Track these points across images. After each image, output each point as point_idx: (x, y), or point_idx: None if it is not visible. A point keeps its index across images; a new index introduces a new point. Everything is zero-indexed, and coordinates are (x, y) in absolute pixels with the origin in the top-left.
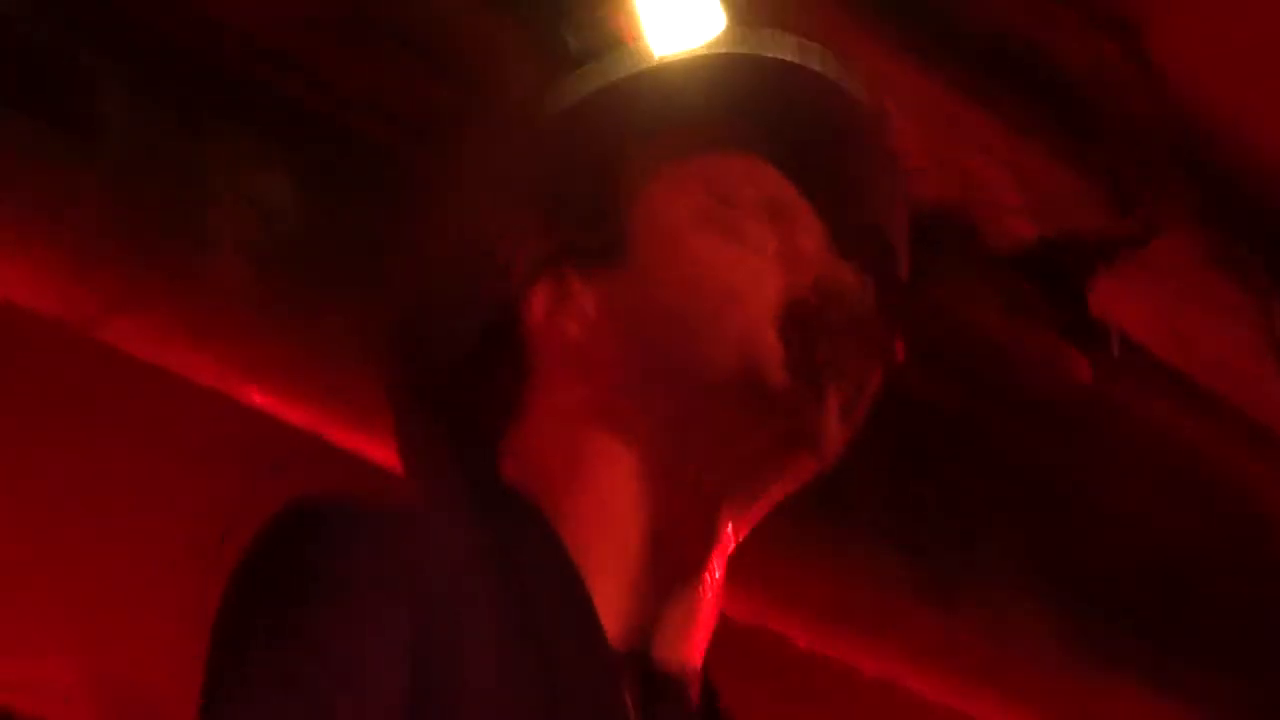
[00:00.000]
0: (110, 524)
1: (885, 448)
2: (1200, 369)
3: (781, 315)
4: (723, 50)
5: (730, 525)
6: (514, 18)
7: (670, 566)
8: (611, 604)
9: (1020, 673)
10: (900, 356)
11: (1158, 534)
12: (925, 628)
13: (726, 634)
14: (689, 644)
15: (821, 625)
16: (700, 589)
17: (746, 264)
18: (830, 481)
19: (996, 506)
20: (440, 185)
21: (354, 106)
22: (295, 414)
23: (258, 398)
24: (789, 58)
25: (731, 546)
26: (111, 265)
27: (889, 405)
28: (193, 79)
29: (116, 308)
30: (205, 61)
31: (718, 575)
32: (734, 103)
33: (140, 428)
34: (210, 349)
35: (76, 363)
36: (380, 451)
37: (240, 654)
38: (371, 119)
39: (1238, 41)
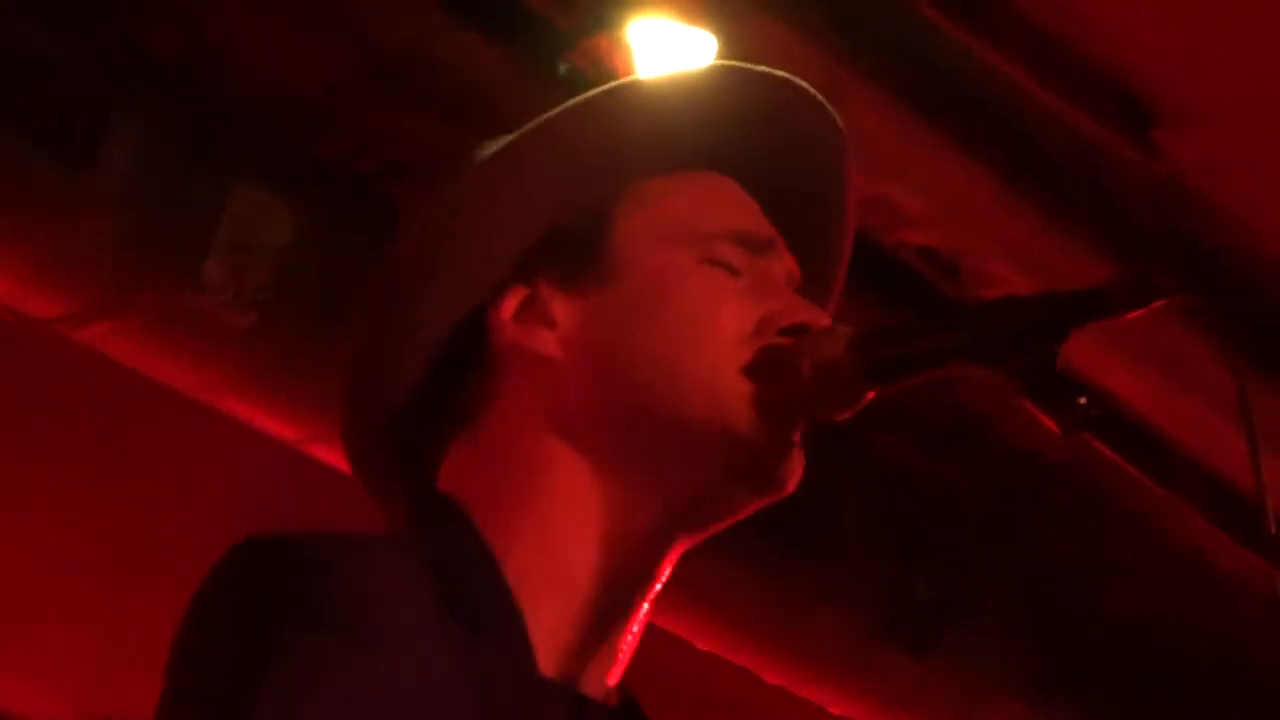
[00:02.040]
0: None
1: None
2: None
3: (753, 357)
4: (712, 67)
5: (674, 559)
6: (517, 65)
7: (609, 601)
8: (545, 630)
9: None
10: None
11: (1135, 598)
12: (898, 673)
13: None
14: (613, 671)
15: (788, 664)
16: (632, 621)
17: (721, 294)
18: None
19: (980, 568)
20: (422, 202)
21: (364, 155)
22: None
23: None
24: (771, 77)
25: (671, 570)
26: (101, 284)
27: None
28: (205, 115)
29: (97, 317)
30: (219, 100)
31: (646, 608)
32: (712, 116)
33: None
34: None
35: (62, 369)
36: None
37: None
38: (380, 168)
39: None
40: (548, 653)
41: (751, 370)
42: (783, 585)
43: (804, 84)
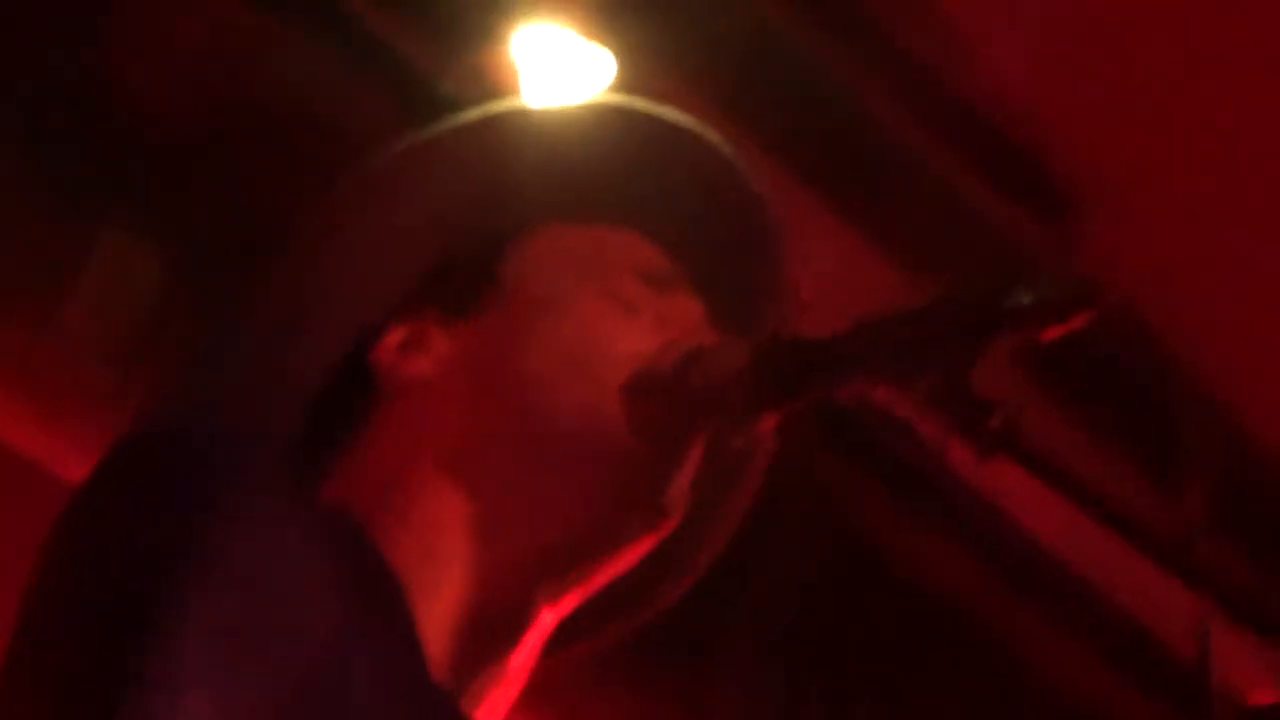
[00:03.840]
0: None
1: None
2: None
3: (636, 377)
4: (614, 104)
5: (549, 603)
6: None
7: (483, 627)
8: (431, 633)
9: None
10: (771, 426)
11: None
12: None
13: None
14: (490, 704)
15: None
16: (509, 657)
17: (611, 323)
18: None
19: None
20: (301, 228)
21: (240, 213)
22: None
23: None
24: (683, 123)
25: (550, 623)
26: None
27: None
28: (75, 147)
29: None
30: (90, 132)
31: (529, 648)
32: (620, 162)
33: None
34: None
35: None
36: None
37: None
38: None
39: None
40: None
41: (633, 387)
42: (661, 706)
43: (721, 143)
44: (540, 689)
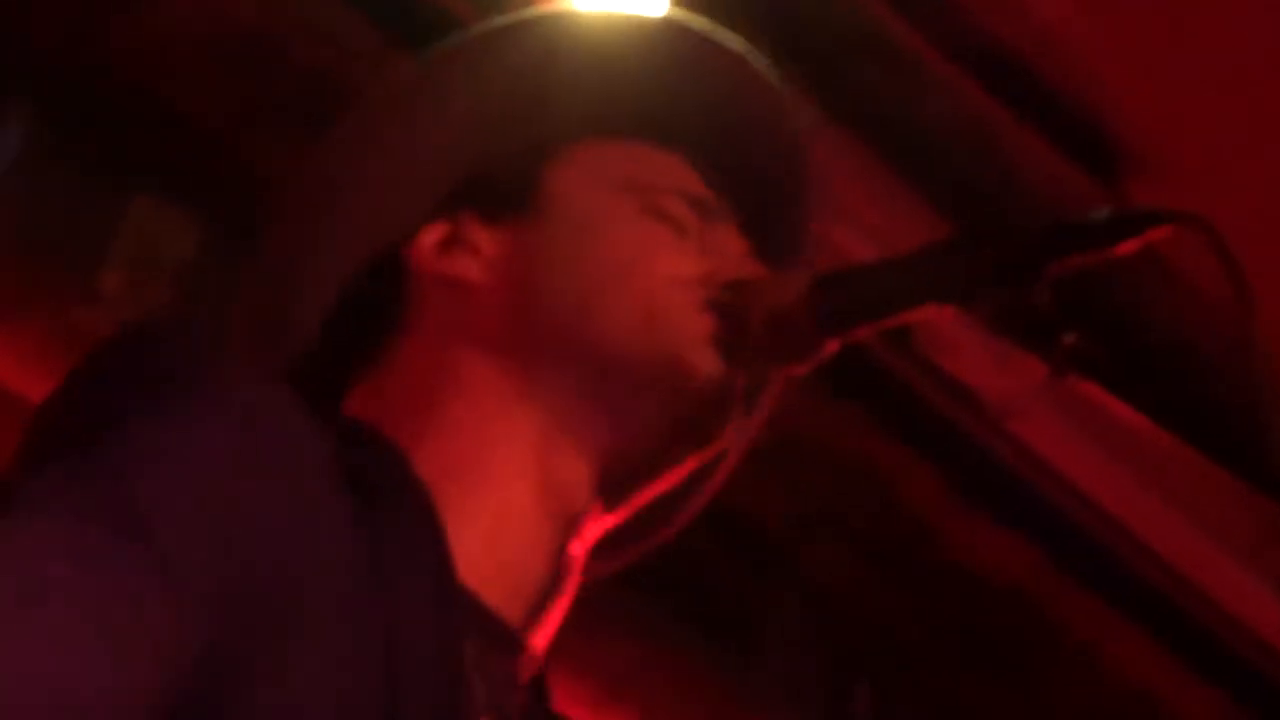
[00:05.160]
0: None
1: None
2: None
3: (703, 296)
4: (664, 19)
5: (593, 518)
6: None
7: (526, 533)
8: (462, 548)
9: None
10: (831, 353)
11: None
12: None
13: None
14: (532, 615)
15: None
16: (554, 565)
17: (661, 241)
18: None
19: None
20: (333, 131)
21: (273, 181)
22: None
23: None
24: (732, 48)
25: (591, 539)
26: None
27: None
28: (106, 118)
29: None
30: (122, 105)
31: (576, 559)
32: (667, 81)
33: None
34: None
35: None
36: None
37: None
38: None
39: None
40: (461, 565)
41: (695, 308)
42: (707, 690)
43: (768, 73)
44: (582, 668)
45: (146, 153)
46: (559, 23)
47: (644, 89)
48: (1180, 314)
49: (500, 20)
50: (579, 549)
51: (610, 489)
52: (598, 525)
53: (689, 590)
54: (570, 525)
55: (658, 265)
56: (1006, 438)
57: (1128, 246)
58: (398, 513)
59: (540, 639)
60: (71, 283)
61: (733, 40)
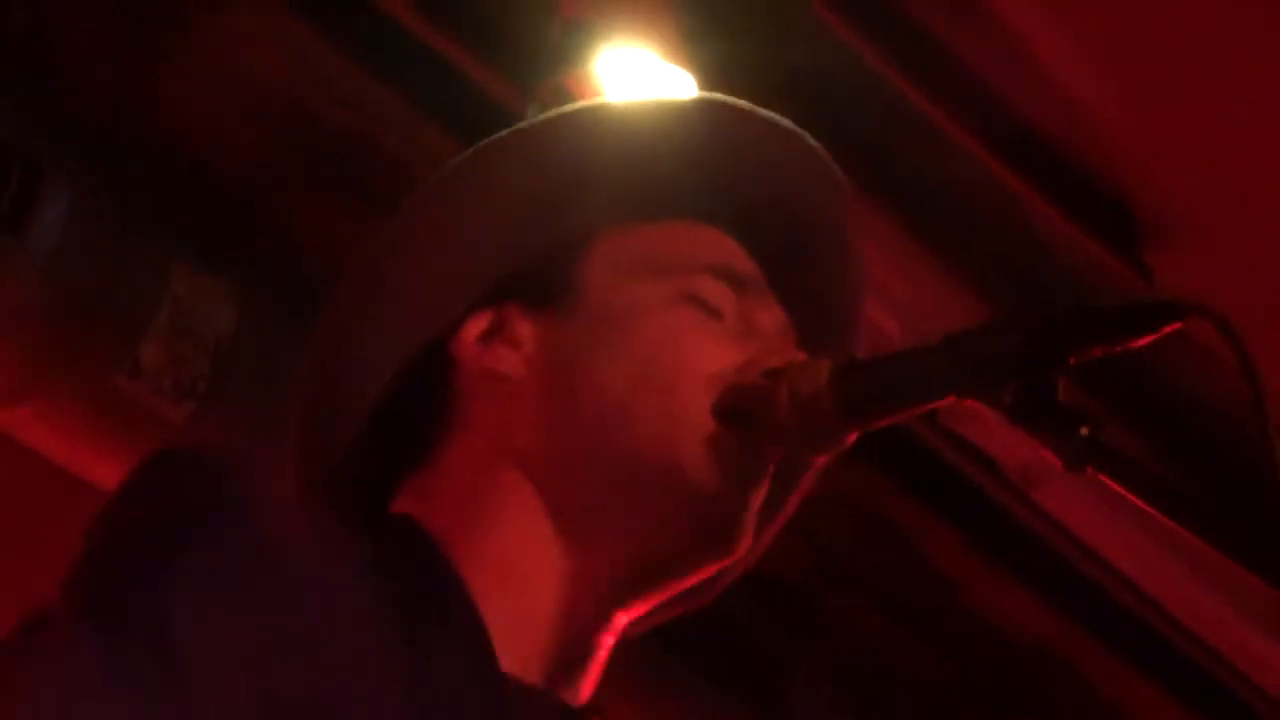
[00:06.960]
0: None
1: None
2: None
3: (722, 402)
4: (694, 98)
5: (623, 610)
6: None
7: (562, 632)
8: (502, 635)
9: None
10: (852, 441)
11: None
12: None
13: None
14: (569, 690)
15: None
16: (589, 656)
17: (693, 332)
18: None
19: None
20: (374, 237)
21: (309, 251)
22: None
23: None
24: (775, 118)
25: (623, 624)
26: (23, 363)
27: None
28: (147, 191)
29: (18, 400)
30: (161, 177)
31: (604, 647)
32: (703, 158)
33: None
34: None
35: None
36: None
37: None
38: (326, 264)
39: None
40: (502, 652)
41: (716, 409)
42: None
43: (798, 130)
44: None
45: (185, 218)
46: (600, 112)
47: (684, 167)
48: (1203, 375)
49: (546, 114)
50: (609, 639)
51: (639, 587)
52: (629, 615)
53: (719, 647)
54: (601, 618)
55: (685, 359)
56: (1029, 504)
57: (1143, 340)
58: (445, 615)
59: (576, 702)
60: (112, 353)
61: (772, 114)
